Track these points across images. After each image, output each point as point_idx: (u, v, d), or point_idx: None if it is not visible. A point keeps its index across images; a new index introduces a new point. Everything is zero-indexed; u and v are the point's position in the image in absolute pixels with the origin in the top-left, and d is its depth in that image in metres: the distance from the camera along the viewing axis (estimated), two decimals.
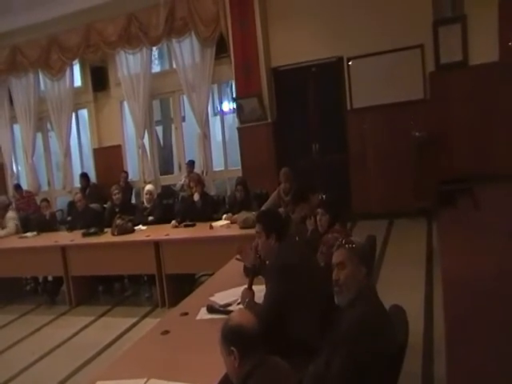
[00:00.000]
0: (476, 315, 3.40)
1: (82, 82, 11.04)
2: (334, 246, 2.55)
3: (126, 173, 10.23)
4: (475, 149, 7.69)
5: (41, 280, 7.32)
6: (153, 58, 10.58)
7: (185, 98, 10.06)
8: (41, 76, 11.13)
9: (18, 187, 10.54)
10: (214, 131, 11.07)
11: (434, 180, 7.74)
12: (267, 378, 1.99)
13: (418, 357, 3.77)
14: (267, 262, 3.25)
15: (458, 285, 3.99)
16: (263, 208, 5.64)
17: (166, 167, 11.66)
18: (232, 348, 1.99)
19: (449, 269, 4.45)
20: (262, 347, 2.03)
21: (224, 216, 6.26)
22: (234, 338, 2.00)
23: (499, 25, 7.48)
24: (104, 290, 6.87)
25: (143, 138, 10.27)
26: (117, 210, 6.95)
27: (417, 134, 7.85)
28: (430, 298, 4.89)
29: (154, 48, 10.28)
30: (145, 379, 2.45)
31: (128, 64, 10.13)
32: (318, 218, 3.89)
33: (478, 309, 3.48)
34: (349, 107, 8.62)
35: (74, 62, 10.73)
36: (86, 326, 5.71)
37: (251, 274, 3.30)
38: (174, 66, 9.92)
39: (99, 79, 10.69)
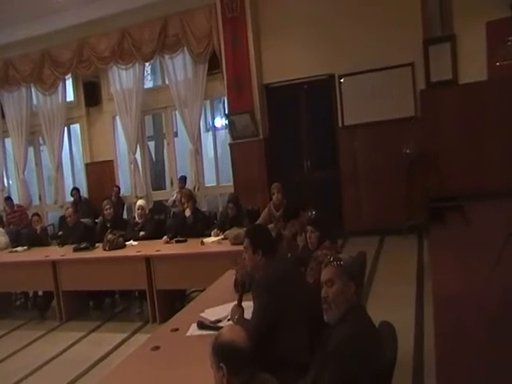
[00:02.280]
0: (466, 331, 3.42)
1: (75, 97, 11.09)
2: (323, 262, 2.57)
3: (118, 187, 10.24)
4: (465, 166, 7.77)
5: (31, 295, 7.27)
6: (145, 73, 10.65)
7: (177, 113, 10.11)
8: (33, 90, 11.16)
9: (8, 199, 10.45)
10: (206, 147, 11.12)
11: (424, 197, 7.80)
12: None
13: (409, 373, 3.77)
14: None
15: (449, 301, 4.02)
16: None
17: (157, 183, 11.68)
18: (221, 364, 1.97)
19: (439, 285, 4.48)
20: (251, 365, 2.01)
21: (212, 232, 6.27)
22: (223, 354, 1.99)
23: (487, 45, 7.63)
24: (95, 306, 6.82)
25: (135, 153, 10.31)
26: (108, 225, 6.93)
27: (407, 151, 7.91)
28: (421, 314, 4.89)
29: (147, 64, 10.36)
30: None
31: (121, 79, 10.19)
32: (307, 236, 3.91)
33: (468, 325, 3.50)
34: (340, 124, 8.69)
35: (66, 77, 10.80)
36: (76, 342, 5.65)
37: (241, 290, 3.31)
38: (167, 81, 9.98)
39: (92, 94, 10.75)
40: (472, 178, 7.60)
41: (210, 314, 3.42)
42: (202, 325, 3.23)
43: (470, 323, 3.55)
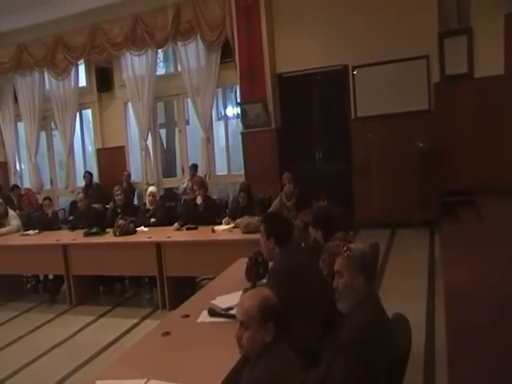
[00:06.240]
0: (478, 327, 3.40)
1: (87, 82, 11.09)
2: (335, 253, 2.57)
3: (129, 173, 10.25)
4: (478, 161, 7.70)
5: (41, 278, 7.31)
6: (158, 60, 10.61)
7: (189, 101, 10.09)
8: (46, 75, 11.17)
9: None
10: (218, 136, 11.10)
11: (437, 191, 7.75)
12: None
13: (420, 367, 3.77)
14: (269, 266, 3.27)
15: (460, 296, 3.99)
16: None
17: (168, 170, 11.68)
18: (270, 324, 2.05)
19: (451, 280, 4.44)
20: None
21: (223, 220, 6.27)
22: (274, 313, 2.07)
23: (505, 38, 7.51)
24: (105, 291, 6.87)
25: (147, 139, 10.31)
26: (119, 210, 6.96)
27: (420, 144, 7.85)
28: (432, 309, 4.89)
29: (160, 50, 10.32)
30: (144, 380, 2.44)
31: (133, 65, 10.19)
32: (312, 236, 3.87)
33: (481, 320, 3.47)
34: (353, 116, 8.65)
35: (79, 62, 10.79)
36: (85, 326, 5.69)
37: (253, 277, 3.31)
38: (179, 69, 9.96)
39: (104, 80, 10.75)
40: (485, 173, 7.53)
41: (221, 302, 3.42)
42: (213, 312, 3.23)
43: (482, 319, 3.52)
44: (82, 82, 11.09)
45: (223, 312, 3.22)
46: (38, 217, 7.70)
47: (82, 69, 11.02)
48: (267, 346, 2.06)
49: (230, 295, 3.52)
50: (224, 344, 2.56)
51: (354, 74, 8.57)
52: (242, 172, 9.35)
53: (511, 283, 3.92)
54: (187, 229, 6.27)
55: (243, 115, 9.11)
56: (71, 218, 7.70)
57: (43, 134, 11.79)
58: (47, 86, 11.29)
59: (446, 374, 3.14)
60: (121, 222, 6.36)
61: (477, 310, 3.65)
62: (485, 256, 4.71)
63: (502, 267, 4.14)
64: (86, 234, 6.51)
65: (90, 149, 11.77)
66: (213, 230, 5.93)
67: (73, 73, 10.81)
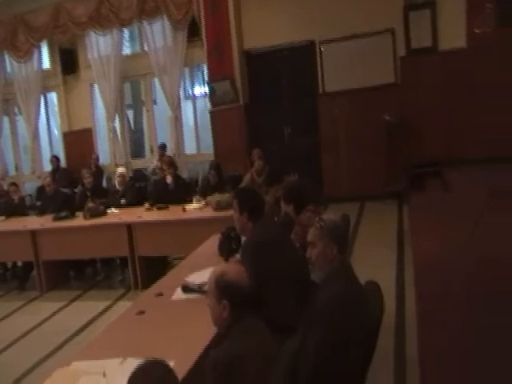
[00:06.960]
0: (446, 294, 3.48)
1: (51, 65, 10.81)
2: (307, 225, 2.58)
3: (97, 156, 10.12)
4: (444, 133, 7.80)
5: (10, 266, 7.19)
6: (124, 40, 10.41)
7: (156, 81, 9.96)
8: (7, 57, 10.86)
9: None
10: (186, 115, 11.01)
11: (404, 163, 7.84)
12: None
13: (391, 335, 3.84)
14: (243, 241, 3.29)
15: (429, 265, 4.07)
16: None
17: (137, 151, 11.56)
18: (224, 301, 2.06)
19: (419, 250, 4.53)
20: (252, 307, 2.12)
21: (194, 199, 6.25)
22: (228, 292, 2.08)
23: (466, 11, 7.58)
24: (76, 275, 6.77)
25: (114, 121, 10.17)
26: (88, 193, 6.88)
27: (387, 117, 7.91)
28: (401, 278, 4.99)
29: (125, 30, 10.12)
30: (121, 358, 2.44)
31: (98, 46, 9.97)
32: (284, 211, 3.87)
33: (448, 288, 3.56)
34: (321, 91, 8.65)
35: (42, 44, 10.49)
36: (57, 311, 5.63)
37: (226, 253, 3.32)
38: (146, 48, 9.79)
39: (68, 61, 10.48)
40: (451, 145, 7.66)
41: (195, 278, 3.41)
42: (186, 288, 3.24)
43: (450, 286, 3.60)
44: (46, 65, 10.81)
45: (197, 288, 3.23)
46: (4, 203, 7.51)
47: (45, 50, 10.74)
48: (230, 326, 2.09)
49: (204, 271, 3.51)
50: (199, 320, 2.57)
51: (321, 50, 8.54)
52: (212, 151, 9.30)
53: (476, 251, 4.02)
54: (158, 208, 6.24)
55: (211, 94, 9.04)
56: (39, 203, 7.56)
57: (6, 119, 11.50)
58: (9, 69, 10.99)
59: (416, 339, 3.22)
60: (91, 204, 6.29)
61: (444, 277, 3.73)
62: (451, 225, 4.82)
63: (467, 235, 4.24)
64: (55, 219, 6.41)
65: (56, 132, 11.53)
66: (184, 209, 5.92)
67: (35, 55, 10.52)
